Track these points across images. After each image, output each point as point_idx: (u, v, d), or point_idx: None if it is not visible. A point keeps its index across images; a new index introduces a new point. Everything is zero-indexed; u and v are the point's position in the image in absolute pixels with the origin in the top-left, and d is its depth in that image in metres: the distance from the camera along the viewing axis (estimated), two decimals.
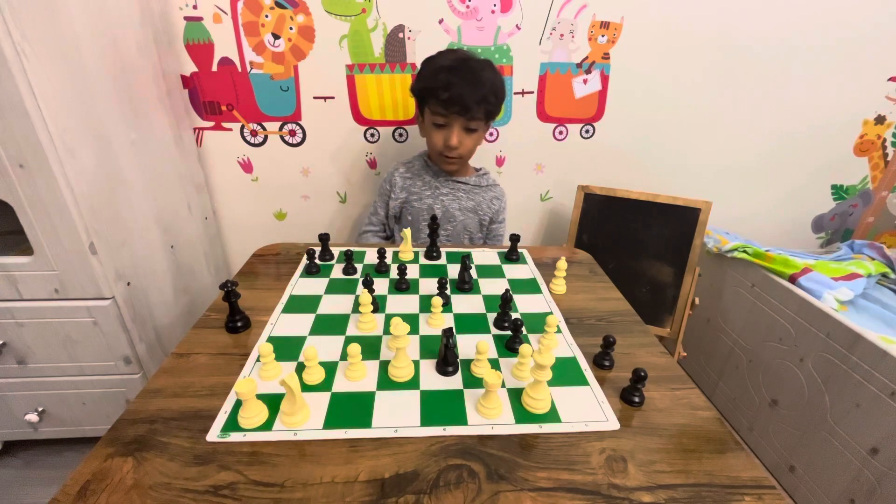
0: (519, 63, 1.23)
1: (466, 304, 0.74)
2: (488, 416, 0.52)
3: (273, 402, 0.52)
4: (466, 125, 1.00)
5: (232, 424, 0.50)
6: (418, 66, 1.20)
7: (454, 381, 0.57)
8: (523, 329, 0.63)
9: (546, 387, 0.54)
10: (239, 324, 0.66)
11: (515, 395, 0.56)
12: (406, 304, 0.74)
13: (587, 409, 0.54)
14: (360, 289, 0.71)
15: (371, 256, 0.88)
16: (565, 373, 0.59)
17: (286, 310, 0.71)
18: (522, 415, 0.53)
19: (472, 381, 0.57)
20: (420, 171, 1.13)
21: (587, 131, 1.34)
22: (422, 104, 1.04)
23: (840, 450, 0.97)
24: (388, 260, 0.85)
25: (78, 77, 0.82)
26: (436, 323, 0.68)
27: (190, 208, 1.21)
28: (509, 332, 0.66)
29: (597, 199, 1.31)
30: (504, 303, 0.68)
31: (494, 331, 0.68)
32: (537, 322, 0.69)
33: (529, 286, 0.81)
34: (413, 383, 0.57)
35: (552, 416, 0.53)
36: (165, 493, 0.42)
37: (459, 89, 0.94)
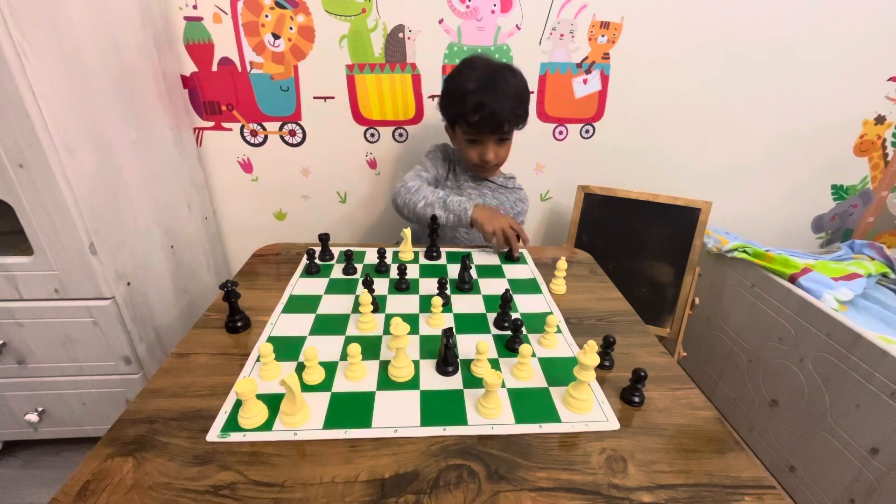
0: (519, 63, 1.21)
1: (466, 304, 0.74)
2: (488, 416, 0.52)
3: (273, 402, 0.52)
4: (499, 138, 1.00)
5: (232, 424, 0.50)
6: (419, 68, 1.20)
7: (454, 381, 0.57)
8: (523, 329, 0.63)
9: (589, 387, 0.54)
10: (239, 324, 0.66)
11: (515, 395, 0.56)
12: (406, 304, 0.74)
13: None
14: (360, 289, 0.72)
15: (371, 256, 0.88)
16: (565, 373, 0.59)
17: (286, 310, 0.71)
18: (522, 415, 0.53)
19: (472, 381, 0.57)
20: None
21: (587, 131, 1.34)
22: (452, 123, 1.03)
23: (840, 450, 0.97)
24: (388, 260, 0.85)
25: (78, 77, 0.82)
26: (436, 323, 0.68)
27: (190, 208, 1.21)
28: (509, 332, 0.66)
29: (597, 199, 1.31)
30: (504, 303, 0.68)
31: (494, 331, 0.68)
32: (537, 322, 0.69)
33: (529, 286, 0.81)
34: (413, 383, 0.57)
35: (552, 415, 0.53)
36: (165, 493, 0.42)
37: (490, 109, 0.93)
